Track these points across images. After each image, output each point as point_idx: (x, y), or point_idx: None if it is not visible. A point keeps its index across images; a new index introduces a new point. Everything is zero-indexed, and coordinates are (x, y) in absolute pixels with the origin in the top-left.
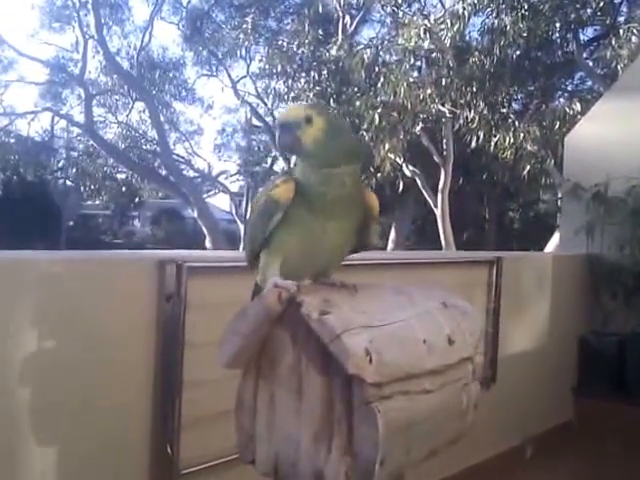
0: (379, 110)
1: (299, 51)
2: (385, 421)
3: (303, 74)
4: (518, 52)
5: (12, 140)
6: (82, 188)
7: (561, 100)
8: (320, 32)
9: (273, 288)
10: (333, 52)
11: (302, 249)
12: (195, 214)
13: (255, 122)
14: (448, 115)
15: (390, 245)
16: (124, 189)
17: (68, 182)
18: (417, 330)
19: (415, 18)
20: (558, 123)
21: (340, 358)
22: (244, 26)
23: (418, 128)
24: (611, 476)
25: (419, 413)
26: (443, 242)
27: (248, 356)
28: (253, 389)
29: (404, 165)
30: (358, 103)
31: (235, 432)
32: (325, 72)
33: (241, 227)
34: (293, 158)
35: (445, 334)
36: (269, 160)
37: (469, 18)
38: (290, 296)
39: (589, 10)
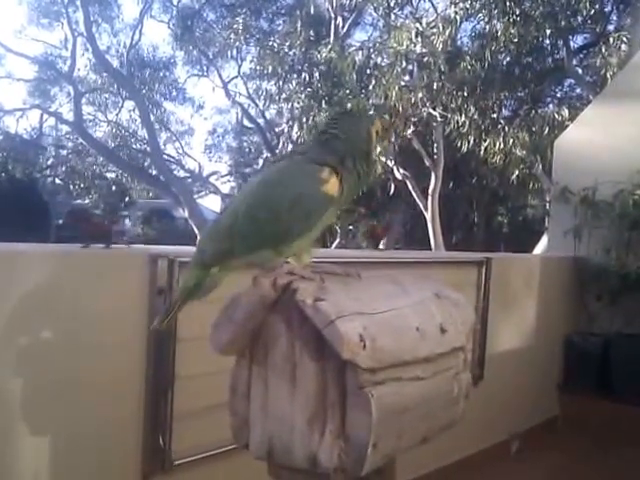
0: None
1: (290, 52)
2: (378, 406)
3: (294, 75)
4: (509, 58)
5: (0, 137)
6: (71, 186)
7: (550, 106)
8: (312, 33)
9: (266, 275)
10: (324, 54)
11: (314, 239)
12: (186, 214)
13: (246, 123)
14: (439, 119)
15: (380, 247)
16: (114, 188)
17: (57, 180)
18: (410, 318)
19: (407, 22)
20: (547, 129)
21: (334, 343)
22: (235, 26)
23: (409, 131)
24: (594, 470)
25: (411, 399)
26: (433, 244)
27: (242, 342)
28: (247, 375)
29: (395, 168)
30: (349, 105)
31: (229, 416)
32: (316, 74)
33: None
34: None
35: (438, 323)
36: (260, 161)
37: (461, 23)
38: (286, 283)
39: (580, 18)
